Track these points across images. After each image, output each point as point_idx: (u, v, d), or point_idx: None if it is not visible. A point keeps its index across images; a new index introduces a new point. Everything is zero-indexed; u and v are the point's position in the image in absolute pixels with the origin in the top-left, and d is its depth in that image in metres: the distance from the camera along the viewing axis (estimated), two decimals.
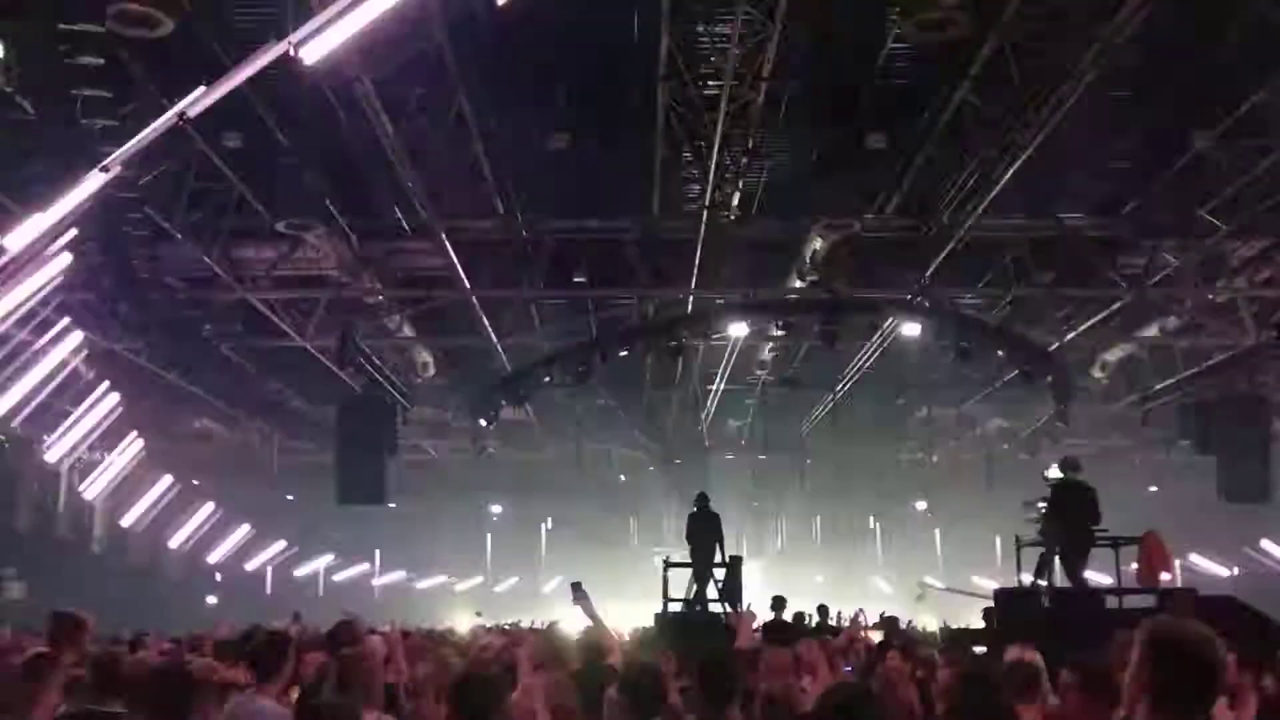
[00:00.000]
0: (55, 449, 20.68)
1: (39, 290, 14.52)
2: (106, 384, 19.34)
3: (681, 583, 15.94)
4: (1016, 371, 17.50)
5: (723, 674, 4.38)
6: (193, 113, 8.85)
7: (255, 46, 9.84)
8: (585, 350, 17.49)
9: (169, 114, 8.71)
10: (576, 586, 6.22)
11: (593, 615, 6.25)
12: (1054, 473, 13.10)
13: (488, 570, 38.64)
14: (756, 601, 16.21)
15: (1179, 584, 14.10)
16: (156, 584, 28.24)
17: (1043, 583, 12.29)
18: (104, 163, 9.87)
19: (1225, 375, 18.09)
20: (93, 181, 10.72)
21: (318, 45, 7.67)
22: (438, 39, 9.77)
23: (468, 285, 15.70)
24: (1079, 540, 12.11)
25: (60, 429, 20.20)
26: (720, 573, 15.45)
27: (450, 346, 20.17)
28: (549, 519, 36.81)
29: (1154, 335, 17.48)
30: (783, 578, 32.56)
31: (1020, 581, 13.42)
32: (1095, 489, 12.34)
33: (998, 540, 32.56)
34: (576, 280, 16.24)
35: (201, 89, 8.53)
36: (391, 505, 20.51)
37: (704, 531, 15.56)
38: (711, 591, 15.35)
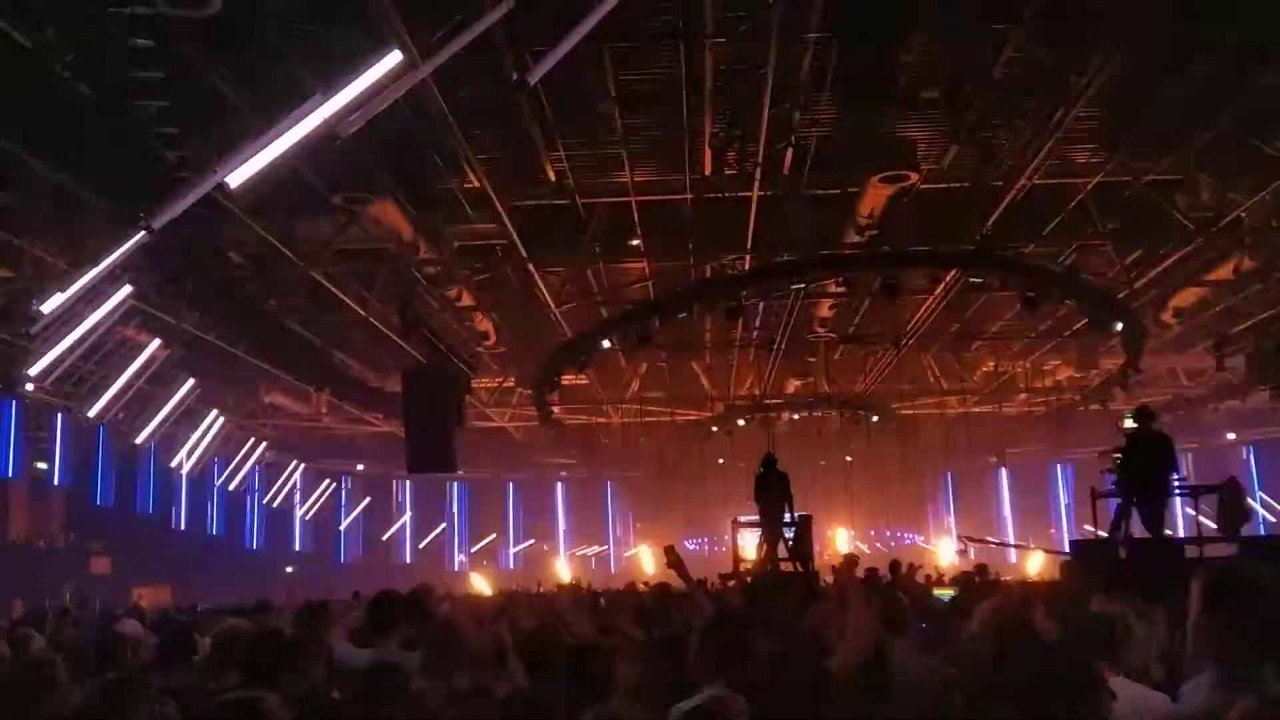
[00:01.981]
0: (141, 430, 21.33)
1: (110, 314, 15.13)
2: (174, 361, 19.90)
3: (751, 543, 16.01)
4: (1085, 320, 17.15)
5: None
6: (234, 183, 9.18)
7: (301, 26, 9.99)
8: (644, 313, 17.49)
9: (210, 182, 9.05)
10: (670, 550, 6.22)
11: (686, 578, 6.26)
12: (1129, 423, 12.88)
13: (559, 536, 39.06)
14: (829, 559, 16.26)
15: (1261, 532, 13.76)
16: (238, 556, 29.04)
17: (1120, 534, 12.12)
18: (147, 222, 10.21)
19: None
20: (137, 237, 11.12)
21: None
22: (486, 5, 9.73)
23: (524, 253, 15.74)
24: (1156, 490, 11.90)
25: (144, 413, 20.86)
26: (790, 532, 15.47)
27: (510, 314, 20.28)
28: (615, 482, 37.06)
29: (1227, 278, 16.99)
30: (851, 536, 32.51)
31: (1096, 533, 13.26)
32: (1171, 438, 12.11)
33: (1067, 493, 32.26)
34: (632, 244, 16.23)
35: (247, 161, 8.94)
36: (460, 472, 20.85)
37: (772, 492, 15.56)
38: (781, 551, 15.37)
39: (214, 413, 23.37)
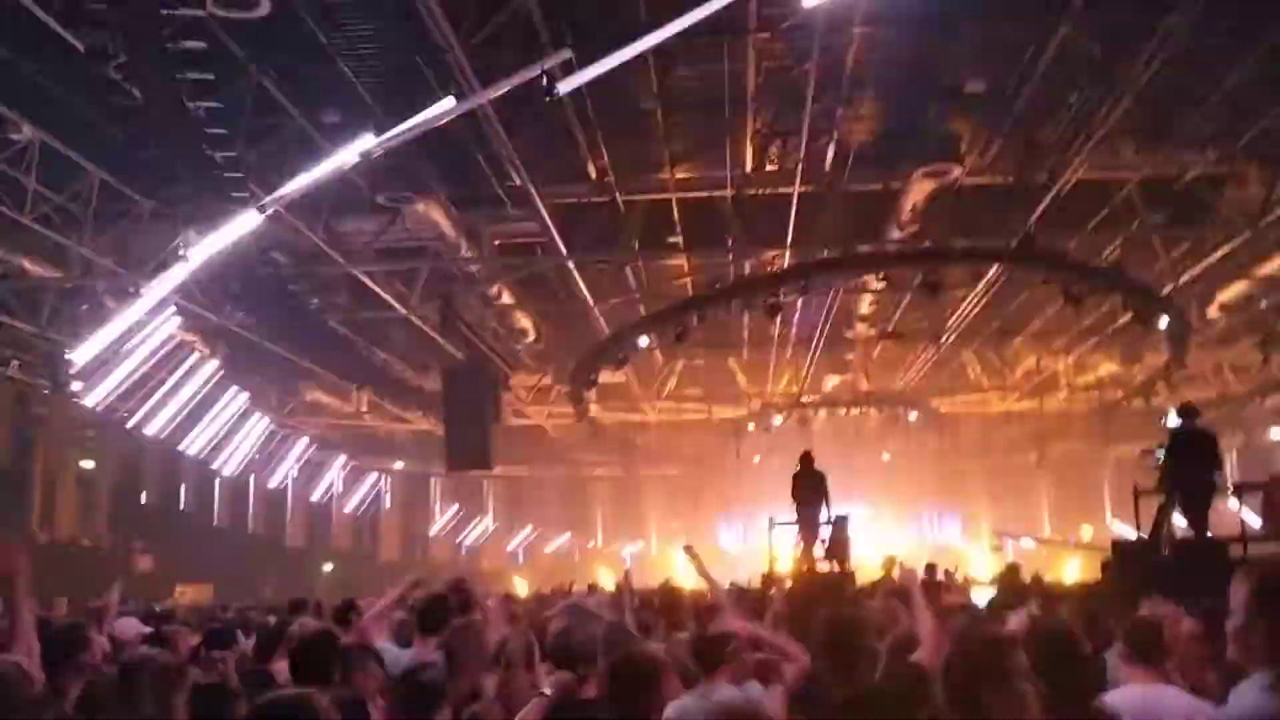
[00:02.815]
0: (193, 440, 21.61)
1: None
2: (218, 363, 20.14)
3: (788, 542, 15.93)
4: (1129, 316, 16.97)
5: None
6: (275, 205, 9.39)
7: (353, 25, 10.09)
8: (682, 311, 17.49)
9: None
10: (688, 549, 6.26)
11: (705, 575, 6.27)
12: (1173, 420, 12.72)
13: (597, 533, 39.08)
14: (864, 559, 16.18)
15: None
16: (278, 554, 29.26)
17: (1163, 533, 11.98)
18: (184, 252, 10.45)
19: None
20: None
21: None
22: (528, 4, 9.78)
23: (564, 251, 15.79)
24: (1200, 488, 11.75)
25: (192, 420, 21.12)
26: (827, 531, 15.39)
27: (549, 312, 20.34)
28: (651, 480, 37.02)
29: (1273, 273, 16.74)
30: (891, 534, 32.33)
31: (1139, 532, 13.11)
32: (1215, 435, 11.95)
33: (1113, 491, 31.88)
34: (671, 241, 16.23)
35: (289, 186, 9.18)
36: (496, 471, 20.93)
37: (809, 490, 15.47)
38: (819, 550, 15.30)
39: (257, 415, 23.60)
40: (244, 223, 11.77)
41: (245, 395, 22.07)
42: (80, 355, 16.04)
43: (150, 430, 20.09)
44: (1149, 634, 4.30)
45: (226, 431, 22.89)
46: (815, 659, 4.68)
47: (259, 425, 24.06)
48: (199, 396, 20.66)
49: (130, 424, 19.86)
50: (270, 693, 3.10)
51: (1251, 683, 2.78)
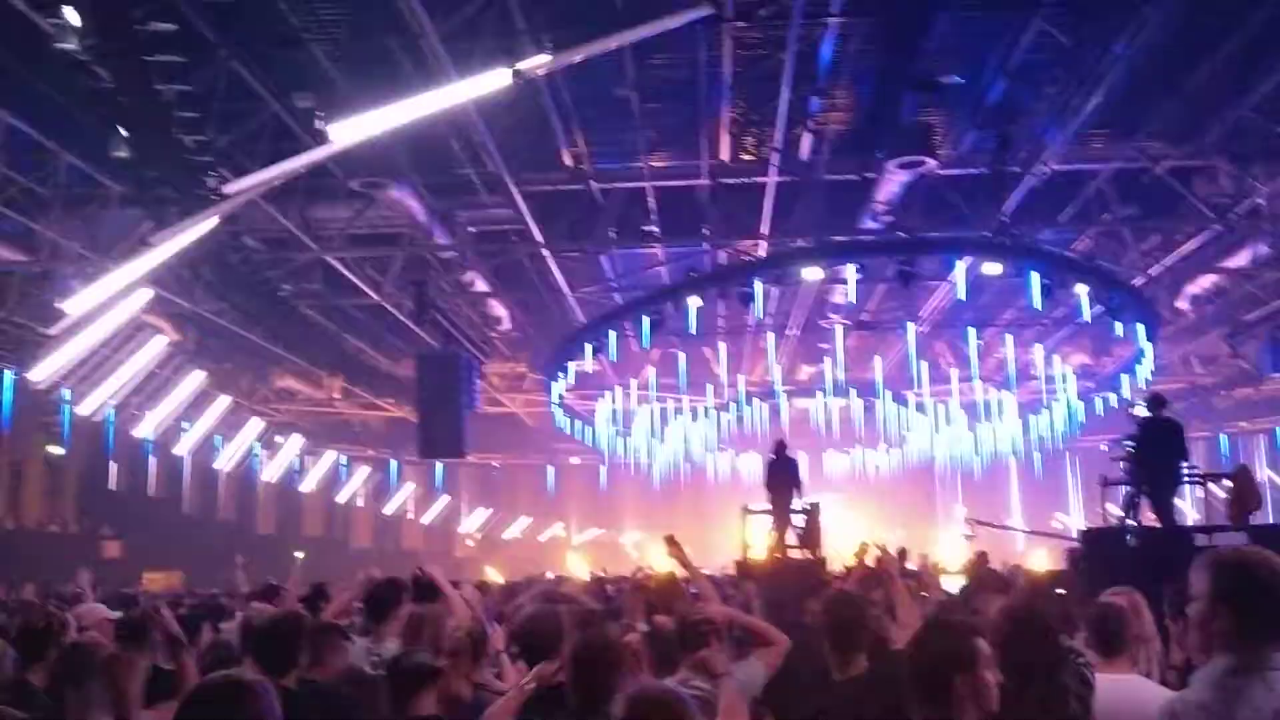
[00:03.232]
0: (145, 424, 21.46)
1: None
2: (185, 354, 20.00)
3: (762, 530, 16.00)
4: (1100, 307, 17.12)
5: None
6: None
7: (326, 8, 10.00)
8: (657, 300, 17.49)
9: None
10: (670, 540, 6.24)
11: (687, 565, 6.28)
12: (1141, 410, 12.85)
13: (568, 521, 39.14)
14: (838, 546, 16.27)
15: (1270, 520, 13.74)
16: (249, 540, 29.10)
17: (1130, 521, 12.11)
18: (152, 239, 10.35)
19: None
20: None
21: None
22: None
23: (539, 238, 15.74)
24: (1167, 478, 11.89)
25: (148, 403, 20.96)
26: (799, 518, 15.48)
27: (524, 300, 20.29)
28: (624, 467, 37.06)
29: (1242, 266, 16.93)
30: (860, 522, 32.50)
31: (1106, 521, 13.25)
32: (1182, 425, 12.09)
33: (1078, 480, 32.22)
34: (647, 230, 16.21)
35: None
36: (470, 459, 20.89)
37: (782, 478, 15.56)
38: (791, 538, 15.38)
39: (219, 397, 23.42)
40: (215, 210, 11.65)
41: (210, 380, 21.92)
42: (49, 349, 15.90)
43: (101, 416, 19.89)
44: (1111, 622, 4.33)
45: (190, 418, 22.76)
46: (810, 641, 4.74)
47: (222, 411, 23.87)
48: (160, 381, 20.54)
49: (91, 411, 19.69)
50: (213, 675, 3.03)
51: (1215, 665, 2.82)
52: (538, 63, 9.18)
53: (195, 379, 21.46)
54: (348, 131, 10.23)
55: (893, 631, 5.03)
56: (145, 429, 21.76)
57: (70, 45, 9.22)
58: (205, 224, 11.82)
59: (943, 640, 3.10)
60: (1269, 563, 2.86)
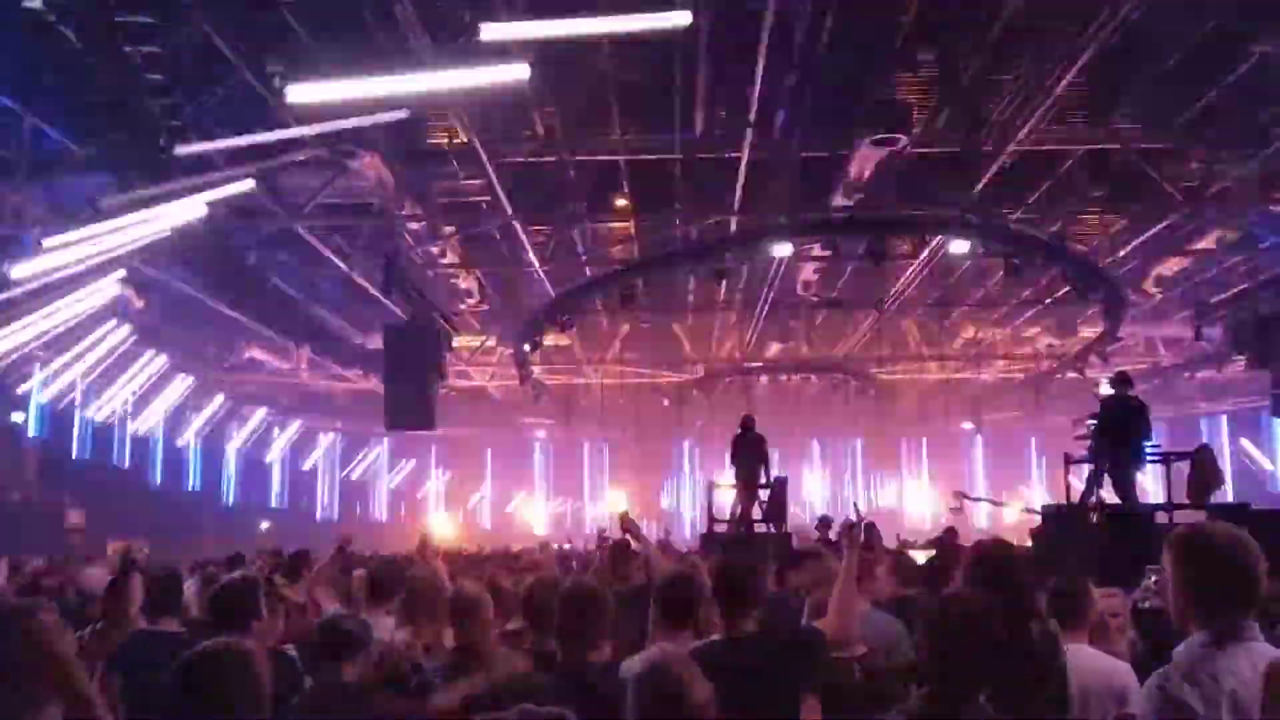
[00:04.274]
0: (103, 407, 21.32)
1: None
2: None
3: (727, 505, 16.09)
4: (1067, 288, 17.27)
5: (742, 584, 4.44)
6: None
7: None
8: (628, 274, 17.47)
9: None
10: (624, 516, 6.36)
11: (639, 538, 6.36)
12: (1105, 389, 13.00)
13: (535, 494, 39.19)
14: (804, 521, 16.39)
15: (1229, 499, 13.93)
16: (215, 510, 28.97)
17: (1092, 499, 12.27)
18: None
19: None
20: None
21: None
22: None
23: (510, 210, 15.66)
24: (1129, 457, 12.04)
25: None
26: (765, 494, 15.56)
27: (494, 272, 20.20)
28: (594, 443, 37.13)
29: (1209, 249, 17.12)
30: (827, 497, 32.75)
31: (1069, 499, 13.41)
32: (1146, 405, 12.23)
33: (1043, 459, 32.59)
34: (619, 203, 16.16)
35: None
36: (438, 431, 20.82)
37: (749, 453, 15.62)
38: (756, 512, 15.46)
39: (180, 377, 23.30)
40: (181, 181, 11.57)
41: (171, 359, 21.79)
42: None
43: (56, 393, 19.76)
44: (1069, 598, 4.45)
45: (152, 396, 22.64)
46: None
47: (185, 388, 23.75)
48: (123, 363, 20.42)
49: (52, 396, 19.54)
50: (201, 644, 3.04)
51: (1193, 641, 2.90)
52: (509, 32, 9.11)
53: (157, 363, 21.40)
54: (309, 94, 10.17)
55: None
56: (105, 412, 21.65)
57: (36, 5, 9.06)
58: (192, 207, 11.76)
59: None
60: (1234, 536, 2.94)
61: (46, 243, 12.43)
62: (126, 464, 26.19)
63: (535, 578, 5.51)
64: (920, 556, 12.55)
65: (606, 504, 33.48)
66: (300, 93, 10.22)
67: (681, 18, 9.21)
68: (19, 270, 13.09)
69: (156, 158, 11.36)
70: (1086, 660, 4.12)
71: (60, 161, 13.97)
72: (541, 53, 11.66)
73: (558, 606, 4.16)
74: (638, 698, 2.99)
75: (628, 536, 6.63)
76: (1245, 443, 29.40)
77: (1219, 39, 11.47)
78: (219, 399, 26.10)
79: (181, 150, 11.01)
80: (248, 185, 12.98)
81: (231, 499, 30.96)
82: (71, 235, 12.45)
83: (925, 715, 3.09)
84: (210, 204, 12.76)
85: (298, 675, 4.62)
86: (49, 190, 14.61)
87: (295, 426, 31.12)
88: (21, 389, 22.39)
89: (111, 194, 12.23)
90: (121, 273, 14.98)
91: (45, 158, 13.86)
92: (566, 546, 20.43)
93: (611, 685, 3.51)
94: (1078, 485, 12.82)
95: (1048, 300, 20.33)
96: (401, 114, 10.97)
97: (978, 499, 25.73)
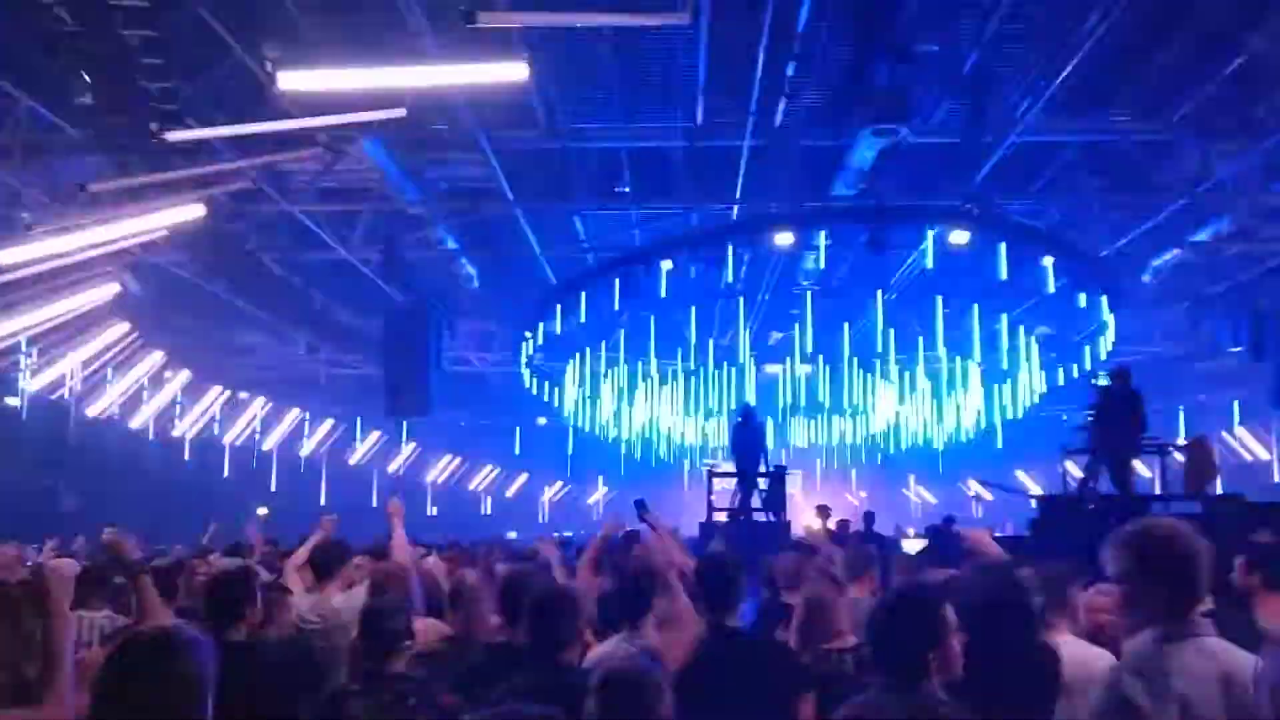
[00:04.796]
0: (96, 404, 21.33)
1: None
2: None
3: (726, 493, 16.11)
4: (1066, 279, 17.26)
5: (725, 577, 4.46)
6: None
7: None
8: (629, 262, 17.45)
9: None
10: (641, 504, 6.31)
11: (656, 529, 6.34)
12: (1102, 381, 13.03)
13: (537, 481, 39.24)
14: (801, 510, 16.43)
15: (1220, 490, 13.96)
16: (210, 496, 28.92)
17: (1089, 490, 12.31)
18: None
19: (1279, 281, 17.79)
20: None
21: None
22: None
23: (511, 197, 15.63)
24: (1126, 447, 12.07)
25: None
26: (765, 482, 15.59)
27: (494, 259, 20.17)
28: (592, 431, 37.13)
29: (1206, 240, 17.10)
30: (827, 486, 32.76)
31: (1066, 489, 13.45)
32: (1142, 396, 12.26)
33: (1039, 448, 32.56)
34: (620, 191, 16.14)
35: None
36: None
37: (748, 441, 15.66)
38: (756, 501, 15.49)
39: (179, 374, 23.37)
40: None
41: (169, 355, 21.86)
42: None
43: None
44: (1056, 589, 4.48)
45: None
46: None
47: (181, 385, 23.83)
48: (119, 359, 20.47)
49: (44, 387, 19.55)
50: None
51: (1144, 637, 2.91)
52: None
53: (153, 359, 21.46)
54: (301, 81, 10.12)
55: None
56: (100, 407, 21.69)
57: None
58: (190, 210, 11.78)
59: (911, 615, 3.15)
60: (1177, 531, 2.94)
61: (40, 230, 12.40)
62: (122, 451, 26.16)
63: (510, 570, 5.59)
64: (915, 546, 12.65)
65: (600, 491, 33.59)
66: (292, 79, 10.14)
67: (682, 17, 9.15)
68: (9, 255, 13.07)
69: (152, 143, 11.31)
70: (1069, 651, 4.14)
71: (56, 145, 13.92)
72: (543, 40, 11.65)
73: (527, 609, 4.16)
74: (596, 700, 2.99)
75: (641, 526, 6.59)
76: (1242, 433, 29.40)
77: (1216, 32, 11.43)
78: (216, 389, 26.15)
79: (174, 136, 10.93)
80: (244, 182, 12.96)
81: (227, 485, 30.92)
82: (67, 226, 12.44)
83: (878, 702, 3.08)
84: (207, 200, 12.78)
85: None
86: (45, 173, 14.57)
87: (294, 413, 31.07)
88: (16, 374, 22.38)
89: (105, 178, 12.20)
90: (116, 287, 15.04)
91: (40, 141, 13.81)
92: (567, 535, 20.44)
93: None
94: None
95: (1050, 290, 20.28)
96: (400, 112, 10.85)
97: (999, 487, 25.68)
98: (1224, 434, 28.29)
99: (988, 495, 24.55)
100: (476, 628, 5.19)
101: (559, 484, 39.31)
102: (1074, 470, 13.38)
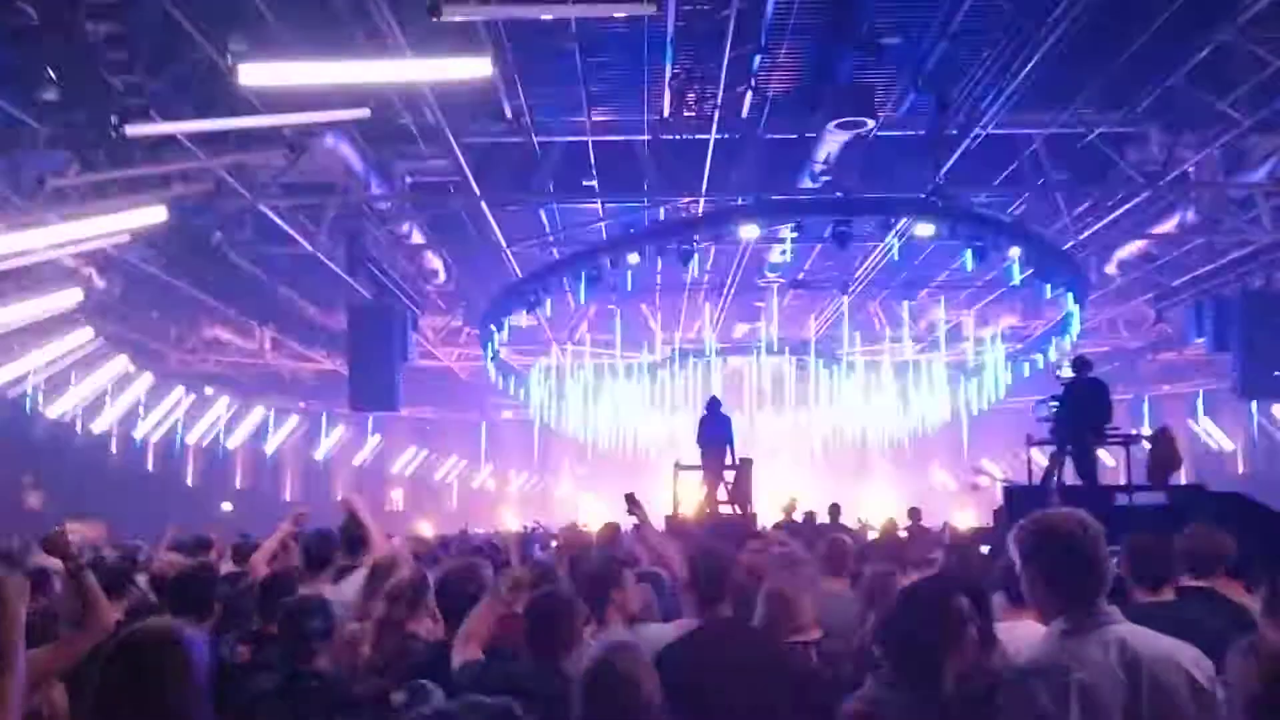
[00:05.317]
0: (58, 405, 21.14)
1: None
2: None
3: (692, 486, 16.12)
4: (1031, 270, 17.41)
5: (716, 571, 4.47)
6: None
7: None
8: (595, 255, 17.43)
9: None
10: (630, 498, 6.28)
11: (645, 523, 6.35)
12: (1066, 371, 13.16)
13: (500, 475, 39.11)
14: (768, 504, 16.49)
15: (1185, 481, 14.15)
16: (174, 493, 28.64)
17: (1053, 480, 12.43)
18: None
19: (1242, 272, 18.01)
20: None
21: None
22: None
23: (477, 191, 15.58)
24: (1090, 438, 12.20)
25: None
26: (731, 475, 15.61)
27: (460, 253, 20.09)
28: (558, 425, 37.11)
29: (1170, 232, 17.31)
30: (793, 480, 32.80)
31: (1030, 479, 13.58)
32: (1107, 387, 12.39)
33: (1003, 439, 32.87)
34: (586, 184, 16.12)
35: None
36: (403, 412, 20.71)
37: (715, 434, 15.67)
38: (721, 494, 15.51)
39: (140, 375, 23.16)
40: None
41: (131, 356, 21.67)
42: None
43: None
44: (1014, 574, 4.51)
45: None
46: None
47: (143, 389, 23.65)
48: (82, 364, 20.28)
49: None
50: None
51: (1049, 631, 2.95)
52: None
53: (118, 363, 21.29)
54: (263, 75, 10.04)
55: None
56: (62, 408, 21.48)
57: None
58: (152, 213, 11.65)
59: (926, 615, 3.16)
60: (1076, 522, 2.95)
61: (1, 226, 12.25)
62: (86, 446, 25.86)
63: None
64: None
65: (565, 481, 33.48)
66: (253, 73, 10.04)
67: (647, 8, 9.13)
68: None
69: (116, 139, 11.18)
70: (1024, 633, 4.18)
71: (19, 139, 13.71)
72: (509, 33, 11.62)
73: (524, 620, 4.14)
74: (584, 691, 2.99)
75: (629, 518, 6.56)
76: (1206, 423, 29.78)
77: (1179, 25, 11.55)
78: (179, 389, 25.96)
79: (135, 130, 10.80)
80: (208, 184, 12.86)
81: (192, 481, 30.64)
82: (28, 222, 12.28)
83: (882, 699, 3.10)
84: (169, 201, 12.65)
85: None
86: (9, 169, 14.35)
87: (258, 409, 30.82)
88: None
89: (68, 174, 12.05)
90: (79, 293, 14.88)
91: (2, 136, 13.59)
92: (533, 526, 20.41)
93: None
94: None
95: (1013, 283, 20.46)
96: (364, 112, 10.80)
97: (993, 475, 25.83)
98: (1189, 421, 28.62)
99: (988, 480, 24.68)
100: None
101: (525, 474, 39.23)
102: (1040, 459, 13.50)
